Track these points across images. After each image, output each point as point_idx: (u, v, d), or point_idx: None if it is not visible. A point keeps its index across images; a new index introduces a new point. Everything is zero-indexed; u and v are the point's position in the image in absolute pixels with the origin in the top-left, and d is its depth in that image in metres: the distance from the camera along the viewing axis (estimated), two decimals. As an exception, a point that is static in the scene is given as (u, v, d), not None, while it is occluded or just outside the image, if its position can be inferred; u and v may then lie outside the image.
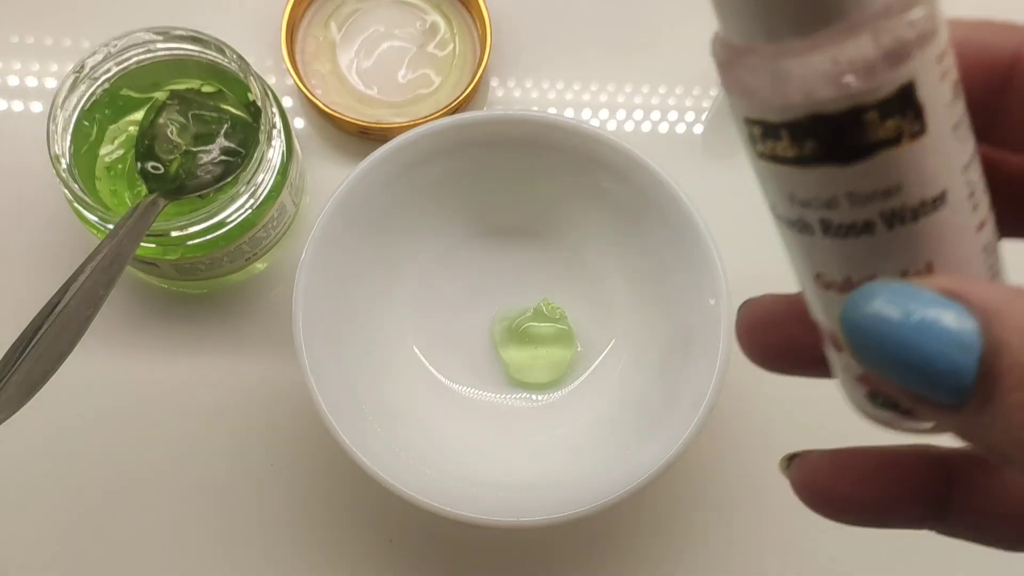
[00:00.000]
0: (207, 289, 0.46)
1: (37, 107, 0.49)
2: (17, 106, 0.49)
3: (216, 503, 0.44)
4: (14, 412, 0.32)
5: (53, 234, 0.46)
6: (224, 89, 0.44)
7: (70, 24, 0.49)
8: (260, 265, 0.46)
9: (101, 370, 0.45)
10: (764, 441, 0.45)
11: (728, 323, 0.39)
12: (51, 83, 0.49)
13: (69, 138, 0.42)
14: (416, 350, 0.44)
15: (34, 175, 0.47)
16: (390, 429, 0.40)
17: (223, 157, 0.42)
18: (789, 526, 0.44)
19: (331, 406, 0.37)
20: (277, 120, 0.42)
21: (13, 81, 0.49)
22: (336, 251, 0.41)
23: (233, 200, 0.40)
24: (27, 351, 0.33)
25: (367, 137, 0.48)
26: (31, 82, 0.49)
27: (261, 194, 0.41)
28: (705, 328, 0.39)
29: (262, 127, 0.41)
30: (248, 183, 0.40)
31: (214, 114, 0.43)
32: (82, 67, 0.41)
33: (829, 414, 0.45)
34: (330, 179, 0.48)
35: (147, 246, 0.41)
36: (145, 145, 0.42)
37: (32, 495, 0.44)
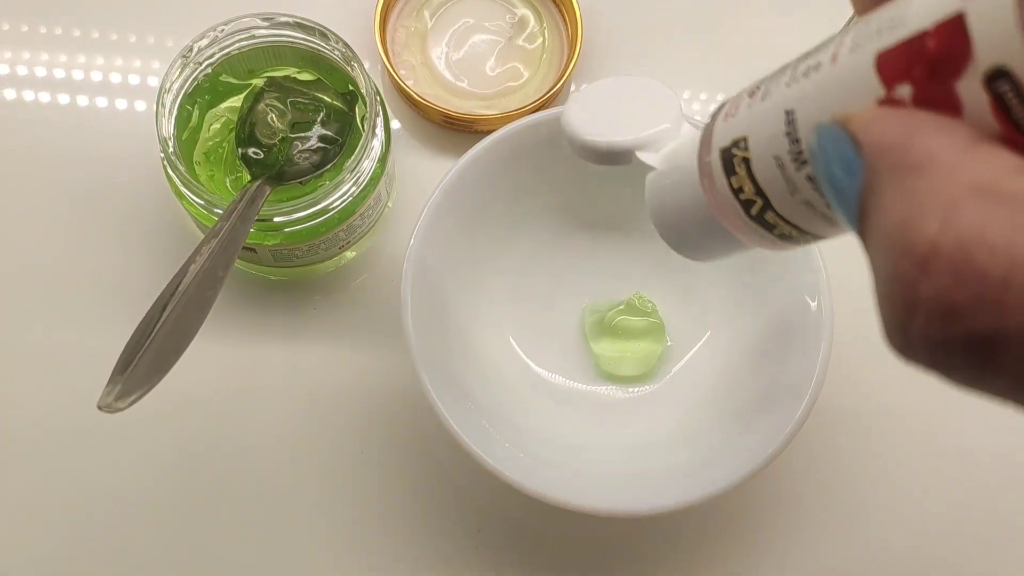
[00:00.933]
0: (296, 277, 0.46)
1: (138, 101, 0.49)
2: (119, 97, 0.49)
3: (307, 485, 0.44)
4: (148, 390, 0.32)
5: (147, 223, 0.47)
6: (320, 77, 0.44)
7: (164, 16, 0.50)
8: (350, 254, 0.46)
9: (194, 357, 0.45)
10: (863, 438, 0.45)
11: (829, 316, 0.39)
12: (152, 79, 0.49)
13: (173, 122, 0.42)
14: (512, 340, 0.44)
15: (126, 164, 0.47)
16: (489, 414, 0.40)
17: (320, 144, 0.43)
18: (886, 523, 0.44)
19: (437, 390, 0.38)
20: (379, 108, 0.42)
21: (116, 78, 0.49)
22: (439, 240, 0.41)
23: (337, 187, 0.41)
24: (155, 331, 0.33)
25: (452, 128, 0.48)
26: (133, 77, 0.49)
27: (363, 182, 0.42)
28: (804, 322, 0.40)
29: (368, 114, 0.41)
30: (353, 171, 0.41)
31: (310, 101, 0.44)
32: (190, 50, 0.41)
33: (931, 415, 0.45)
34: (413, 168, 0.48)
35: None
36: (247, 130, 0.43)
37: (130, 481, 0.44)
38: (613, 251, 0.45)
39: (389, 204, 0.47)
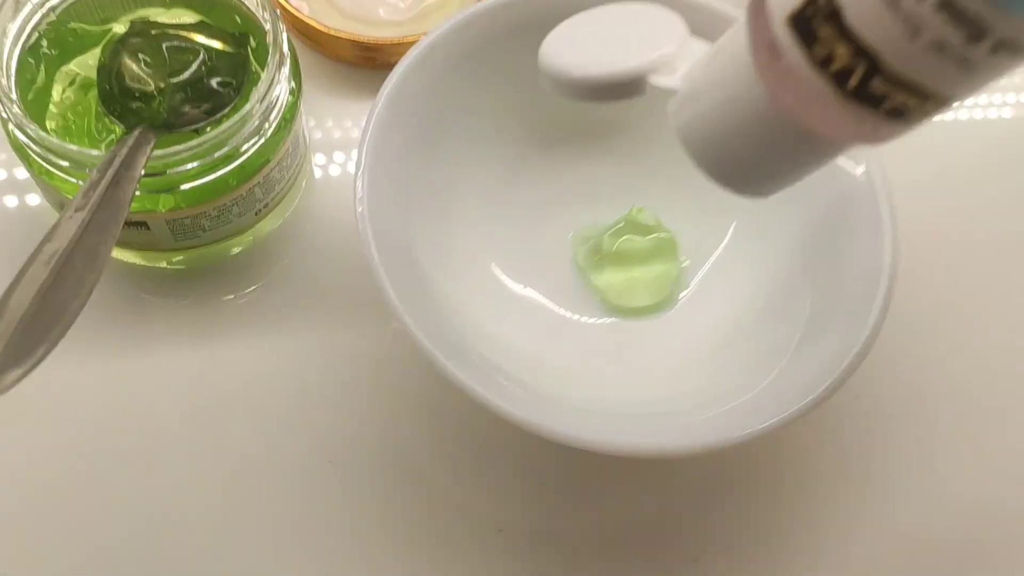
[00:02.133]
0: (203, 262, 0.37)
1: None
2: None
3: (257, 503, 0.35)
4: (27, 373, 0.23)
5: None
6: (203, 17, 0.35)
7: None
8: (270, 223, 0.37)
9: (89, 375, 0.35)
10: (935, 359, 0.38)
11: (886, 191, 0.32)
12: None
13: (13, 79, 0.32)
14: (497, 270, 0.36)
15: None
16: (487, 356, 0.32)
17: (213, 88, 0.34)
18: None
19: (430, 338, 0.29)
20: (284, 35, 0.33)
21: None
22: (391, 164, 0.32)
23: (245, 123, 0.31)
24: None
25: (366, 64, 0.40)
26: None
27: (275, 118, 0.33)
28: (854, 203, 0.32)
29: (271, 32, 0.32)
30: (262, 100, 0.32)
31: (188, 44, 0.35)
32: (22, -14, 0.32)
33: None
34: (331, 120, 0.40)
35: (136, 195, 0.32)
36: (115, 84, 0.33)
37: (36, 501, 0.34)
38: (601, 164, 0.37)
39: (305, 159, 0.38)
